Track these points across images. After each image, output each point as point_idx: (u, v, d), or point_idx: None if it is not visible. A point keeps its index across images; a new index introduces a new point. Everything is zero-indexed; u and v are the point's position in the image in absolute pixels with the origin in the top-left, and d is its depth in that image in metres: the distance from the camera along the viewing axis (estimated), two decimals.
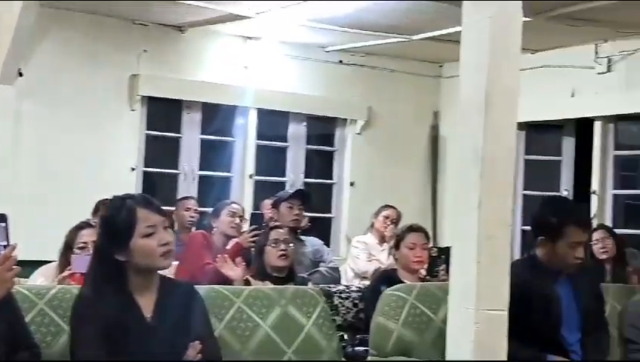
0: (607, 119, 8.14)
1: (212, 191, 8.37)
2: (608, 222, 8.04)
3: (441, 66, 9.47)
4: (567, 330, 4.29)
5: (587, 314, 4.36)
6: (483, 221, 3.44)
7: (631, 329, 4.65)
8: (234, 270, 5.18)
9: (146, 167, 8.26)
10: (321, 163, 9.45)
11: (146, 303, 3.28)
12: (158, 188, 8.55)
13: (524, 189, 8.86)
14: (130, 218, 3.26)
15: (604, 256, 7.02)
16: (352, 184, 9.24)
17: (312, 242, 6.80)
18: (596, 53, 8.12)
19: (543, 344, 4.20)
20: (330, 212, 9.32)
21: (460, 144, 3.61)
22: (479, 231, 3.43)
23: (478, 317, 3.41)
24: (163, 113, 8.51)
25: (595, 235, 7.13)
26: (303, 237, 6.76)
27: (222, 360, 3.52)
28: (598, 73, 8.10)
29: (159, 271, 3.37)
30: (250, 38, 8.57)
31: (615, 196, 8.28)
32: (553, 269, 4.29)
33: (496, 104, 3.45)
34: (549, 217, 4.26)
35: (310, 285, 5.18)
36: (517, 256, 8.28)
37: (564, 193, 8.59)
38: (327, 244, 8.60)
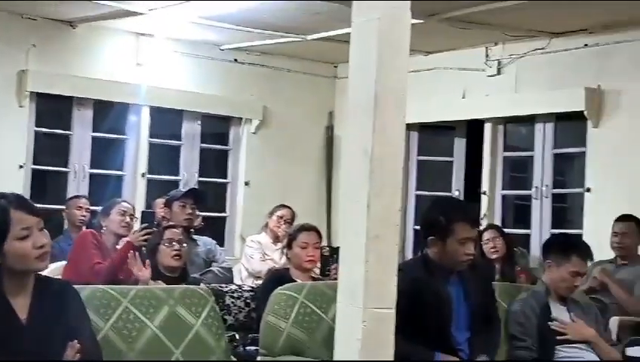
0: (496, 121, 8.30)
1: (104, 189, 8.24)
2: (497, 222, 8.20)
3: (336, 67, 9.52)
4: (456, 329, 4.36)
5: (478, 312, 4.44)
6: (371, 220, 3.45)
7: (514, 326, 4.75)
8: (143, 271, 5.13)
9: (35, 164, 8.07)
10: (215, 162, 9.40)
11: (21, 305, 3.19)
12: (48, 186, 8.37)
13: (417, 190, 8.97)
14: (3, 220, 3.14)
15: (494, 256, 7.18)
16: (246, 183, 9.21)
17: (204, 242, 6.77)
18: (487, 55, 8.27)
19: (433, 343, 4.25)
20: (224, 211, 9.28)
21: (349, 144, 3.62)
22: (367, 231, 3.45)
23: (366, 316, 3.43)
24: (53, 110, 8.33)
25: (486, 235, 7.29)
26: (195, 237, 6.72)
27: (102, 359, 3.47)
28: (489, 76, 8.25)
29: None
30: (143, 34, 8.46)
31: (504, 196, 8.45)
32: (444, 268, 4.36)
33: (384, 105, 3.47)
34: (438, 216, 4.33)
35: (202, 285, 5.14)
36: (410, 255, 8.41)
37: (456, 193, 8.73)
38: (222, 244, 8.59)
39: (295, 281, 5.08)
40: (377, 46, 3.46)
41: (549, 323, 4.78)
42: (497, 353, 4.60)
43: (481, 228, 7.76)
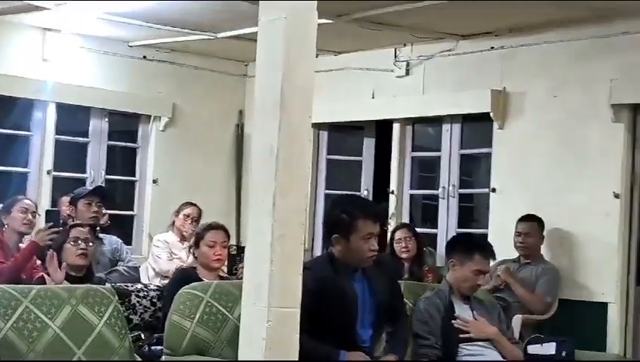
0: (405, 121, 8.37)
1: (7, 186, 8.06)
2: (405, 220, 8.27)
3: (246, 65, 9.49)
4: (361, 327, 4.40)
5: (384, 309, 4.48)
6: (277, 220, 3.46)
7: (418, 325, 4.81)
8: (57, 273, 5.04)
9: None
10: (123, 159, 9.28)
11: None
12: None
13: (327, 189, 9.00)
14: None
15: (404, 255, 7.23)
16: (154, 181, 9.11)
17: (110, 240, 6.69)
18: (395, 56, 8.33)
19: (338, 341, 4.28)
20: (132, 209, 9.16)
21: (257, 143, 3.63)
22: (273, 230, 3.46)
23: (271, 316, 3.43)
24: None
25: (398, 234, 7.34)
26: (101, 236, 6.63)
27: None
28: (397, 76, 8.31)
29: None
30: (49, 30, 8.30)
31: (412, 196, 8.54)
32: (349, 266, 4.38)
33: (290, 104, 3.48)
34: (340, 214, 4.35)
35: (107, 284, 5.07)
36: (318, 253, 8.43)
37: (365, 193, 8.79)
38: (129, 242, 8.50)
39: (202, 280, 5.07)
40: (284, 45, 3.48)
41: (453, 321, 4.85)
42: (406, 348, 4.66)
43: (393, 226, 7.88)
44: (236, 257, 5.66)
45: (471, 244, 5.04)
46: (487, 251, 5.04)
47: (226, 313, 4.35)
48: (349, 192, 8.41)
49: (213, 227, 5.58)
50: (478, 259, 4.91)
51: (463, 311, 4.93)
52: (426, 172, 8.76)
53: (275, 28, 3.50)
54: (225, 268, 5.70)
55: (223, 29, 7.97)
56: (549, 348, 5.33)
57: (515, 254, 7.07)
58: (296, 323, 3.49)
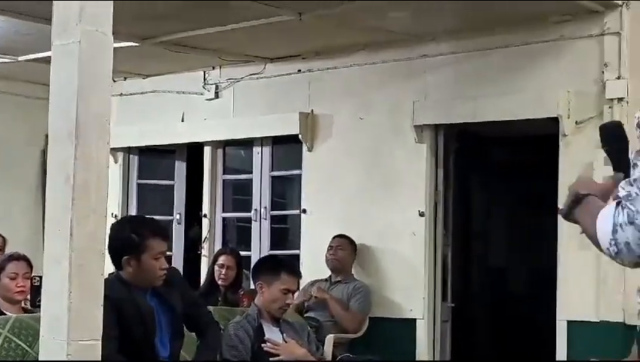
0: (215, 144, 8.35)
1: None
2: (218, 245, 8.24)
3: None
4: (160, 343, 4.34)
5: (183, 321, 4.47)
6: (75, 249, 3.36)
7: (228, 350, 4.79)
8: None
9: None
10: None
11: None
12: None
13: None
14: None
15: (222, 283, 7.07)
16: None
17: None
18: (205, 79, 8.31)
19: (139, 357, 4.21)
20: None
21: (52, 171, 3.53)
22: (71, 260, 3.35)
23: (70, 349, 3.32)
24: None
25: (221, 260, 7.14)
26: None
27: None
28: (207, 99, 8.28)
29: None
30: None
31: (227, 219, 8.51)
32: (141, 286, 4.32)
33: (86, 131, 3.40)
34: (130, 235, 4.28)
35: None
36: None
37: (177, 216, 8.70)
38: None
39: (4, 314, 4.88)
40: (78, 70, 3.39)
41: (263, 345, 4.86)
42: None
43: (206, 250, 7.79)
44: (40, 288, 5.45)
45: (276, 264, 5.11)
46: (293, 269, 5.14)
47: (26, 347, 4.18)
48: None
49: (14, 258, 5.41)
50: (284, 278, 4.96)
51: (272, 333, 4.95)
52: (239, 194, 8.75)
53: (69, 52, 3.41)
54: (28, 301, 5.51)
55: (25, 51, 7.71)
56: None
57: (327, 274, 7.16)
58: (98, 356, 3.39)
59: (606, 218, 2.08)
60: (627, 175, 2.18)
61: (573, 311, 6.31)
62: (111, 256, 4.20)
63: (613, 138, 2.34)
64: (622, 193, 2.07)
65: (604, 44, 6.21)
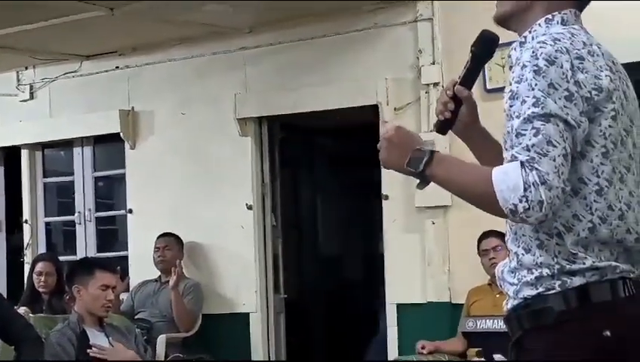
0: (33, 146, 8.05)
1: None
2: (42, 250, 7.98)
3: None
4: None
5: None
6: None
7: (50, 358, 4.64)
8: None
9: None
10: None
11: None
12: None
13: None
14: None
15: (43, 290, 6.83)
16: None
17: None
18: (18, 80, 8.01)
19: None
20: None
21: None
22: None
23: None
24: None
25: (39, 267, 6.88)
26: None
27: None
28: (21, 101, 8.00)
29: None
30: None
31: (50, 223, 8.23)
32: None
33: None
34: None
35: None
36: None
37: None
38: None
39: None
40: None
41: (88, 350, 4.72)
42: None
43: (31, 257, 7.52)
44: None
45: (88, 264, 5.12)
46: (107, 266, 5.09)
47: None
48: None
49: None
50: (99, 275, 4.89)
51: (97, 338, 4.83)
52: (64, 197, 8.49)
53: None
54: None
55: None
56: None
57: (157, 274, 7.04)
58: None
59: (509, 176, 2.16)
60: (469, 88, 2.43)
61: (401, 294, 6.42)
62: None
63: (486, 48, 2.42)
64: (522, 157, 2.16)
65: (418, 31, 6.32)
